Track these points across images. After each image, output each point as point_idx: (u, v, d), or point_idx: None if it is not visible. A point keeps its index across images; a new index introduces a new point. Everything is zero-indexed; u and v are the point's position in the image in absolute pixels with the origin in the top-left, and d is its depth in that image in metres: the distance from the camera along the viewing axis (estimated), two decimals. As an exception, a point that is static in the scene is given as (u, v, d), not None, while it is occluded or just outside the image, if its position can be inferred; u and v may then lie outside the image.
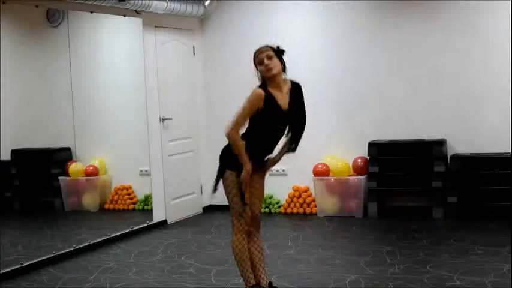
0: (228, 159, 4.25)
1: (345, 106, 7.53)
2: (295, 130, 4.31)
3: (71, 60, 6.61)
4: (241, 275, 4.34)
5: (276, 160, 4.40)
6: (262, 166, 4.36)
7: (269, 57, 4.13)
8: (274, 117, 4.17)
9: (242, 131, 4.20)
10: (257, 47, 4.22)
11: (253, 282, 4.31)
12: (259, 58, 4.15)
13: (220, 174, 4.30)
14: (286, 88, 4.22)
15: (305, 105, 4.32)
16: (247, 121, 4.17)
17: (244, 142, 4.15)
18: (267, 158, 4.38)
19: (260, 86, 4.18)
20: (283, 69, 4.20)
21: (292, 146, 4.35)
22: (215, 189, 4.37)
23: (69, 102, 6.59)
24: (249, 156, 4.14)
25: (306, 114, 4.33)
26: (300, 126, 4.33)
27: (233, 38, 7.84)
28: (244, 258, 4.31)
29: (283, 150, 4.38)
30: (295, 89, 4.26)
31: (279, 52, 4.18)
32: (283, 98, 4.18)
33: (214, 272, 5.30)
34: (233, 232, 4.31)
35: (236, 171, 4.18)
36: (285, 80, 4.24)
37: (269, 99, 4.12)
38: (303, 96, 4.30)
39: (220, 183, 4.32)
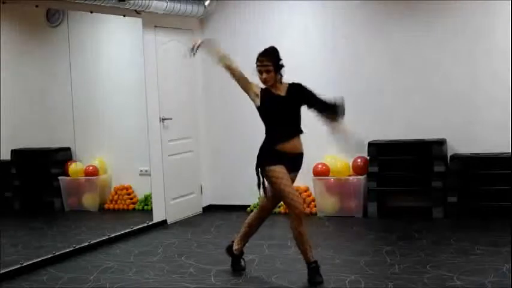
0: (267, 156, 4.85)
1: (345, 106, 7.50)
2: (315, 105, 4.98)
3: (70, 60, 6.61)
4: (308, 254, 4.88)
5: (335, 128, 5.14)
6: (296, 167, 4.96)
7: (267, 72, 4.79)
8: (274, 104, 4.85)
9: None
10: (261, 50, 4.86)
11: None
12: (259, 69, 4.81)
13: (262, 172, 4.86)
14: (282, 88, 4.91)
15: (312, 91, 4.98)
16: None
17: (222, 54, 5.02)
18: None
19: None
20: (280, 80, 4.87)
21: (324, 116, 5.03)
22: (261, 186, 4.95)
23: (69, 102, 6.59)
24: (278, 143, 4.82)
25: (318, 94, 5.00)
26: (316, 102, 4.97)
27: (233, 38, 7.81)
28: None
29: (328, 124, 5.11)
30: (294, 86, 4.94)
31: (278, 67, 4.82)
32: (278, 91, 4.88)
33: (214, 272, 5.29)
34: (301, 220, 4.82)
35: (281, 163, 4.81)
36: (282, 83, 4.91)
37: (265, 92, 4.87)
38: (305, 87, 4.96)
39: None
